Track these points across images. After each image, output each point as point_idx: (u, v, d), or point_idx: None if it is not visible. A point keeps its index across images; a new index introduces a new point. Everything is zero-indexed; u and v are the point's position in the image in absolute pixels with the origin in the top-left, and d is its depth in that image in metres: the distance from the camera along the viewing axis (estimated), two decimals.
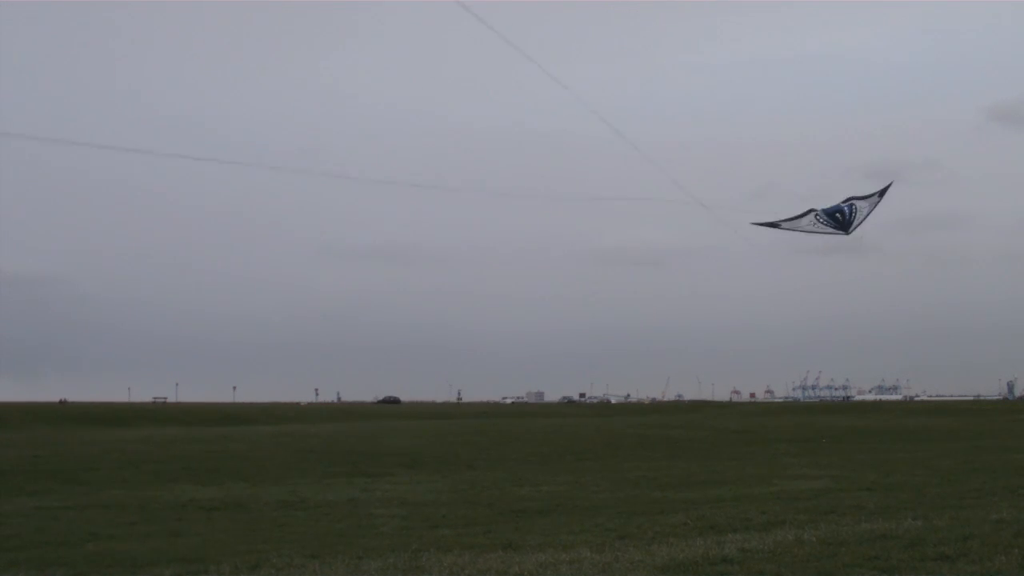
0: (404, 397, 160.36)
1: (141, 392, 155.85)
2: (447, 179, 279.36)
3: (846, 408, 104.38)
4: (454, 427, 56.14)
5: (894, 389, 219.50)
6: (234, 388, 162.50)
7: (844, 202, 22.38)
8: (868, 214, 22.33)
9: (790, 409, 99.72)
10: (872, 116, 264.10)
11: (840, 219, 22.26)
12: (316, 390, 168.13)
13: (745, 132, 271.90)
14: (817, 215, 22.32)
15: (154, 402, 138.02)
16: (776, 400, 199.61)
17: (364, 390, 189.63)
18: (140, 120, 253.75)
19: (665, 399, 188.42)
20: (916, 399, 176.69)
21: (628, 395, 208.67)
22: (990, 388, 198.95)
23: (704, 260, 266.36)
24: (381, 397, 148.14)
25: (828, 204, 22.53)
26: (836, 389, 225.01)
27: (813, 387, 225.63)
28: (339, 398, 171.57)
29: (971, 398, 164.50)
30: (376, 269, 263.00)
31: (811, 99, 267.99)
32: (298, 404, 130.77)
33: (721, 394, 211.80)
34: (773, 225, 22.51)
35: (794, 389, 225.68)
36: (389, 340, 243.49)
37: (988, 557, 9.84)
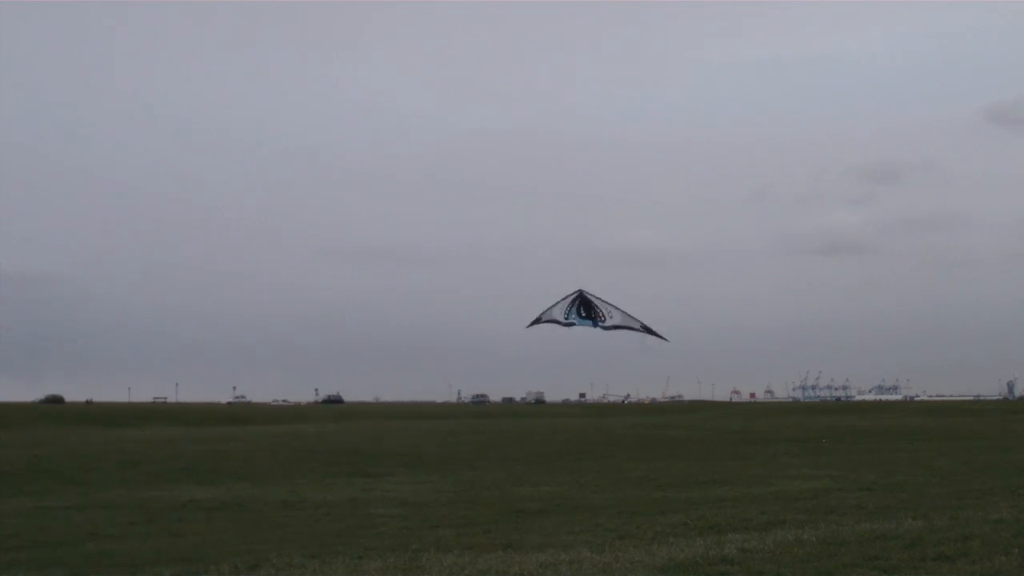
0: (404, 397, 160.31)
1: (141, 392, 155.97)
2: (447, 179, 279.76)
3: (846, 408, 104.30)
4: (454, 427, 56.13)
5: (894, 389, 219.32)
6: (234, 388, 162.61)
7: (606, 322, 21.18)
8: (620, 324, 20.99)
9: (790, 409, 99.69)
10: (870, 117, 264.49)
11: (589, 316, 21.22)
12: (316, 390, 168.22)
13: (744, 132, 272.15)
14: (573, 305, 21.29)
15: (154, 402, 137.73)
16: (776, 400, 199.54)
17: (364, 390, 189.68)
18: (140, 120, 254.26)
19: (665, 399, 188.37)
20: (916, 399, 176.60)
21: (628, 395, 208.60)
22: (990, 388, 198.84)
23: (704, 260, 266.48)
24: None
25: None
26: (836, 389, 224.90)
27: (813, 387, 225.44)
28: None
29: (971, 398, 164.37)
30: (376, 269, 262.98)
31: (809, 100, 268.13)
32: (298, 404, 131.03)
33: (721, 394, 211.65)
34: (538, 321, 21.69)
35: (794, 389, 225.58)
36: (389, 340, 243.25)
37: (988, 557, 9.84)
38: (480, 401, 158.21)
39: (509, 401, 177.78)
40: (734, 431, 49.66)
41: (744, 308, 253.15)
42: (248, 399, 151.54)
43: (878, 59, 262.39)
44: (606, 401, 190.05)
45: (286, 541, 13.10)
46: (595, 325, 20.32)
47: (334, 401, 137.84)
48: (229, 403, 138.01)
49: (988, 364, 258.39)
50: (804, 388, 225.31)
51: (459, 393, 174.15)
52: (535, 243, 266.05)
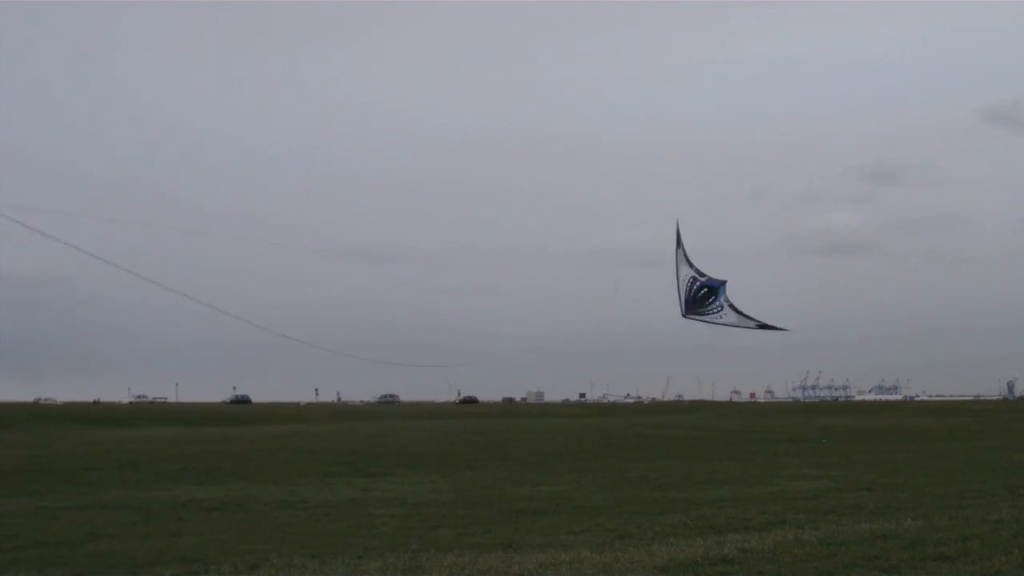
0: (404, 397, 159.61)
1: (141, 392, 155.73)
2: (447, 179, 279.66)
3: (846, 408, 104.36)
4: (454, 427, 56.15)
5: (894, 389, 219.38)
6: (234, 388, 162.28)
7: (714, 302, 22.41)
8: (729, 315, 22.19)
9: (790, 409, 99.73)
10: (869, 117, 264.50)
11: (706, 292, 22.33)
12: (316, 390, 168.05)
13: (743, 133, 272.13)
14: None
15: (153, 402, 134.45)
16: (776, 400, 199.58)
17: (364, 390, 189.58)
18: (140, 120, 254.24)
19: (665, 399, 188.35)
20: (916, 399, 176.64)
21: (628, 395, 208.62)
22: (990, 388, 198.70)
23: (704, 260, 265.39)
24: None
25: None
26: (836, 389, 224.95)
27: (813, 387, 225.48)
28: (339, 398, 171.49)
29: (971, 398, 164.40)
30: (376, 269, 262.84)
31: (809, 100, 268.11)
32: (298, 404, 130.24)
33: (721, 394, 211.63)
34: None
35: (794, 389, 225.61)
36: (389, 340, 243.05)
37: (988, 557, 9.83)
38: (389, 401, 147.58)
39: (509, 401, 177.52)
40: (734, 431, 49.67)
41: (744, 308, 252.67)
42: (150, 398, 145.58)
43: (878, 59, 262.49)
44: (606, 401, 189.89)
45: (286, 541, 13.10)
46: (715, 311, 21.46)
47: (242, 401, 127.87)
48: (131, 403, 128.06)
49: (988, 364, 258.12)
50: (804, 388, 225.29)
51: (459, 392, 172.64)
52: (535, 243, 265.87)
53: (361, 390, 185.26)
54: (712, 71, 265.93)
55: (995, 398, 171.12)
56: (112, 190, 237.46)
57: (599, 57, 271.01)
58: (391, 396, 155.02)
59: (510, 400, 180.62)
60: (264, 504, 18.10)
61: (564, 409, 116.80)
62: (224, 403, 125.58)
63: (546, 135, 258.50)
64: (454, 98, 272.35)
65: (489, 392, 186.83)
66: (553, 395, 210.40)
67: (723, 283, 21.51)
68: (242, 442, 39.05)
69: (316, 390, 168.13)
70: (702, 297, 21.57)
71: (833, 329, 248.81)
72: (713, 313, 21.49)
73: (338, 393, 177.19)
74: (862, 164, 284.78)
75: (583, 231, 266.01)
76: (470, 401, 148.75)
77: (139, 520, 15.93)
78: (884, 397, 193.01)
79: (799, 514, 14.24)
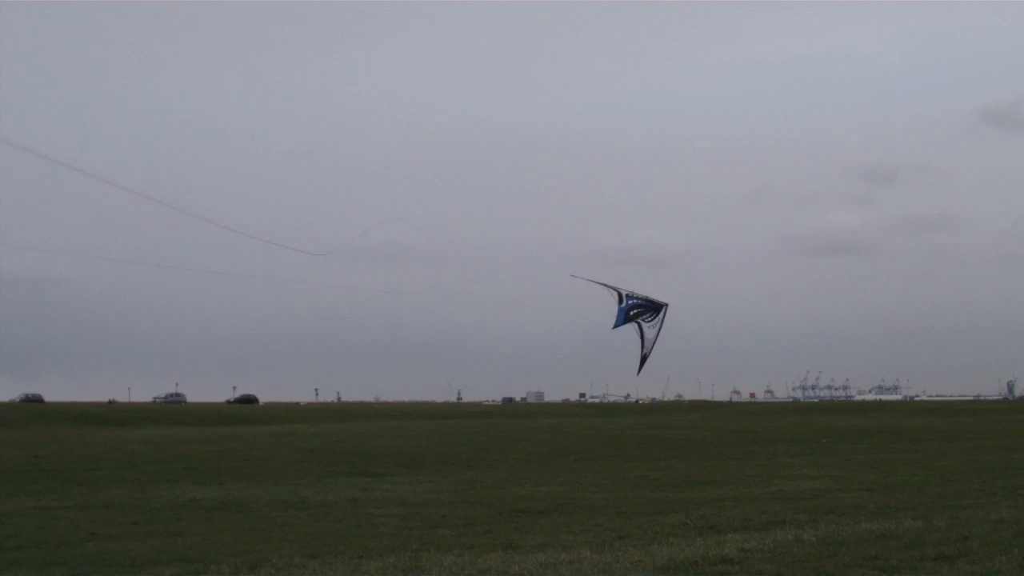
0: (405, 397, 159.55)
1: (141, 392, 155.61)
2: (447, 179, 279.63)
3: (846, 408, 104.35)
4: (454, 427, 56.15)
5: (894, 389, 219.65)
6: (234, 388, 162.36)
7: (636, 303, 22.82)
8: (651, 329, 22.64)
9: (790, 409, 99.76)
10: (867, 119, 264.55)
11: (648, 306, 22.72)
12: (316, 390, 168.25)
13: (742, 134, 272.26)
14: (629, 295, 22.96)
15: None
16: (776, 400, 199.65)
17: (364, 390, 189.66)
18: (140, 120, 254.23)
19: (665, 399, 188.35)
20: (916, 399, 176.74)
21: (628, 395, 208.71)
22: (990, 388, 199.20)
23: (704, 260, 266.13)
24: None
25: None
26: (836, 389, 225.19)
27: (813, 387, 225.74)
28: (339, 398, 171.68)
29: (971, 398, 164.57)
30: (376, 269, 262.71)
31: (809, 100, 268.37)
32: (298, 404, 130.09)
33: (721, 394, 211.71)
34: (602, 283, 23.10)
35: (794, 389, 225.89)
36: (388, 340, 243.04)
37: (988, 557, 9.83)
38: (174, 400, 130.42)
39: (509, 401, 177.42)
40: (734, 431, 49.69)
41: (744, 308, 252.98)
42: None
43: (877, 59, 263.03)
44: (606, 401, 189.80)
45: (286, 541, 13.10)
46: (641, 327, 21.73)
47: (33, 400, 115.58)
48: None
49: (988, 364, 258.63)
50: (804, 388, 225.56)
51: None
52: (535, 243, 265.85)
53: (361, 389, 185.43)
54: (711, 72, 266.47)
55: (995, 398, 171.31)
56: (112, 190, 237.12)
57: (598, 58, 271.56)
58: (177, 395, 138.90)
59: (510, 400, 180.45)
60: (264, 504, 18.09)
61: (564, 409, 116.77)
62: (14, 401, 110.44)
63: (547, 135, 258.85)
64: (455, 98, 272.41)
65: (489, 392, 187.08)
66: (553, 395, 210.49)
67: (664, 305, 22.25)
68: (242, 442, 39.04)
69: (316, 390, 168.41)
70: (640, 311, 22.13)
71: (833, 329, 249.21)
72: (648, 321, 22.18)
73: (338, 393, 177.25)
74: (861, 165, 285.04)
75: (583, 231, 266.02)
76: (247, 401, 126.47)
77: (139, 520, 15.93)
78: (884, 397, 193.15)
79: (799, 514, 14.24)
